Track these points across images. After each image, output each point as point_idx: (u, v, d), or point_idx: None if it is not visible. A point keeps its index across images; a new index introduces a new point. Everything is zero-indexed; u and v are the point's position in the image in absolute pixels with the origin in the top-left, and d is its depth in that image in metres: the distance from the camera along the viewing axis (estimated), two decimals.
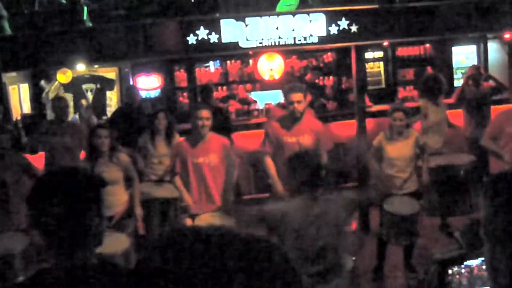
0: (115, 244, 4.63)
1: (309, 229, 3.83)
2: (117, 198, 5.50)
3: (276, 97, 9.34)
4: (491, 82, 8.44)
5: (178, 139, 6.48)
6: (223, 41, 7.71)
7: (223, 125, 7.54)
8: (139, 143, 6.57)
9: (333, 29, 7.88)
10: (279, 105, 7.95)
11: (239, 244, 0.91)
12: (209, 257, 0.88)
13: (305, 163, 3.96)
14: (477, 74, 8.02)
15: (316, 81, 10.20)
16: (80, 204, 1.92)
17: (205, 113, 5.46)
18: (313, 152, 4.20)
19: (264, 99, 9.90)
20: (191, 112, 6.06)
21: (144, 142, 6.52)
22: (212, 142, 5.57)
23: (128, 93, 8.20)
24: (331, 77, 10.41)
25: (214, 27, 7.68)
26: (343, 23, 7.89)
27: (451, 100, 8.48)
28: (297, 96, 5.47)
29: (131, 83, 9.74)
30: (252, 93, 10.17)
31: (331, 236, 3.88)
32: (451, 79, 10.20)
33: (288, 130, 5.54)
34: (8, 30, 7.95)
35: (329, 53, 10.44)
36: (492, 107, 8.00)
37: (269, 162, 5.61)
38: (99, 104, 9.93)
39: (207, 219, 5.23)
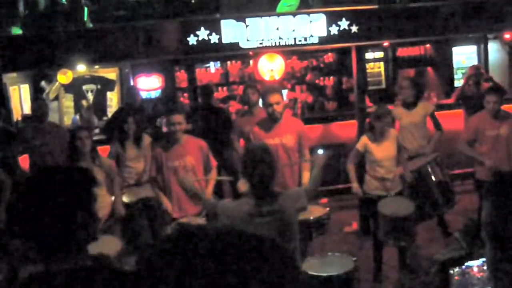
0: (108, 246, 4.60)
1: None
2: (100, 200, 5.50)
3: None
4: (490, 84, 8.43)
5: (148, 140, 6.56)
6: (223, 41, 7.71)
7: (224, 125, 7.54)
8: (111, 151, 6.58)
9: (334, 30, 7.88)
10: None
11: (241, 242, 0.91)
12: (211, 256, 0.88)
13: (258, 162, 3.58)
14: (477, 74, 8.01)
15: (316, 81, 10.21)
16: (72, 202, 1.83)
17: (177, 118, 5.41)
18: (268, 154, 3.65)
19: None
20: (165, 116, 6.07)
21: (115, 148, 6.55)
22: (188, 144, 5.52)
23: (128, 93, 8.22)
24: (331, 78, 10.41)
25: (214, 27, 7.69)
26: (344, 24, 7.89)
27: (451, 100, 8.48)
28: (275, 98, 5.42)
29: (131, 83, 9.74)
30: None
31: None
32: (451, 79, 10.20)
33: (268, 132, 5.48)
34: None
35: (329, 54, 10.44)
36: None
37: None
38: (99, 104, 9.94)
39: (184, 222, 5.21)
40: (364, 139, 5.79)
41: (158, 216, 6.12)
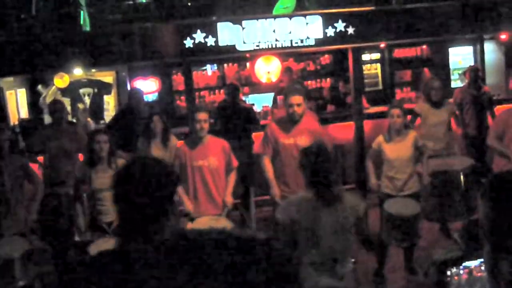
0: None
1: (320, 231, 3.63)
2: None
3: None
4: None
5: (175, 142, 6.43)
6: (220, 44, 7.71)
7: (247, 125, 7.56)
8: (137, 148, 6.55)
9: (330, 31, 7.89)
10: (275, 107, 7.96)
11: (239, 245, 0.91)
12: (209, 259, 0.88)
13: (316, 160, 3.61)
14: (476, 75, 7.99)
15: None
16: (162, 193, 1.98)
17: (202, 115, 5.45)
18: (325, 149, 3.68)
19: (262, 102, 9.91)
20: (190, 115, 6.06)
21: (141, 146, 6.50)
22: (211, 145, 5.56)
23: (134, 96, 8.09)
24: (328, 79, 10.42)
25: (211, 30, 7.69)
26: (340, 25, 7.90)
27: (451, 100, 8.48)
28: (296, 99, 5.47)
29: (129, 87, 9.73)
30: (250, 96, 10.17)
31: (342, 241, 3.69)
32: (448, 80, 10.22)
33: (286, 132, 5.54)
34: None
35: (326, 55, 10.46)
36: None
37: (267, 164, 5.60)
38: (96, 108, 9.92)
39: (205, 222, 5.21)
40: (380, 138, 5.83)
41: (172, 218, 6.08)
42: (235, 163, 5.67)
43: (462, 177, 6.07)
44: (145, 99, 8.84)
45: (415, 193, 5.72)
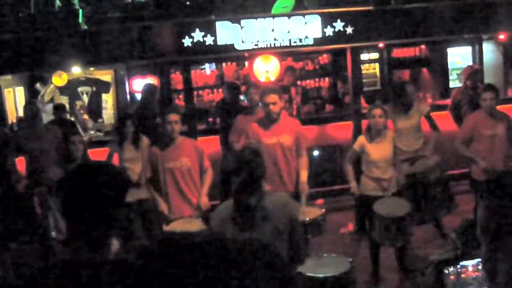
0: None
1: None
2: None
3: None
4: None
5: (146, 142, 6.45)
6: (218, 43, 7.71)
7: None
8: (109, 152, 6.57)
9: (329, 31, 7.89)
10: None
11: (228, 247, 0.91)
12: (198, 262, 0.88)
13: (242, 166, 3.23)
14: (473, 75, 7.99)
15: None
16: (112, 197, 1.95)
17: (173, 117, 5.43)
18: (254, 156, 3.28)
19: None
20: (162, 116, 6.07)
21: (112, 149, 6.53)
22: (184, 146, 5.53)
23: (151, 91, 8.06)
24: (326, 79, 10.42)
25: (209, 29, 7.68)
26: (339, 25, 7.90)
27: (448, 101, 8.48)
28: (271, 98, 5.52)
29: (127, 85, 9.72)
30: None
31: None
32: (446, 80, 10.22)
33: (267, 131, 5.57)
34: None
35: (324, 55, 10.44)
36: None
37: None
38: (94, 106, 9.92)
39: (179, 225, 5.15)
40: (361, 139, 5.82)
41: (153, 219, 6.10)
42: (207, 163, 5.62)
43: (430, 178, 6.10)
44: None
45: (397, 192, 5.74)
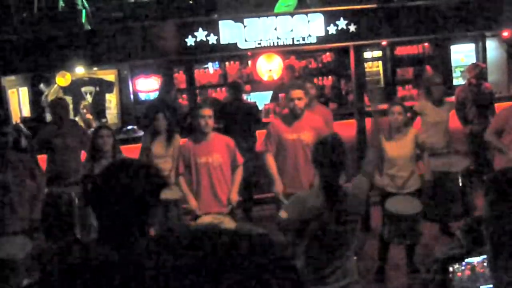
0: None
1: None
2: None
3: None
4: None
5: (179, 140, 6.38)
6: (221, 42, 7.71)
7: (251, 121, 7.56)
8: (142, 144, 6.52)
9: (332, 29, 7.88)
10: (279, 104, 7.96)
11: (233, 241, 0.91)
12: (202, 255, 0.88)
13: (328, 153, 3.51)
14: (478, 73, 7.98)
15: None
16: (149, 198, 1.91)
17: (207, 111, 5.44)
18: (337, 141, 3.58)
19: (263, 100, 9.90)
20: (194, 111, 6.05)
21: (145, 143, 6.46)
22: (215, 141, 5.54)
23: (165, 87, 8.07)
24: (330, 77, 10.42)
25: (212, 28, 7.68)
26: (342, 23, 7.89)
27: (451, 99, 8.47)
28: (297, 93, 5.51)
29: (130, 85, 9.74)
30: (251, 94, 10.17)
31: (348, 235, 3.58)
32: (449, 77, 10.21)
33: (289, 127, 5.56)
34: None
35: (327, 53, 10.45)
36: (496, 104, 7.99)
37: (270, 161, 5.61)
38: (98, 106, 9.93)
39: (209, 221, 5.20)
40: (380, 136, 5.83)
41: (172, 219, 6.01)
42: (240, 160, 5.65)
43: (460, 178, 6.08)
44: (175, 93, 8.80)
45: (416, 191, 5.72)
